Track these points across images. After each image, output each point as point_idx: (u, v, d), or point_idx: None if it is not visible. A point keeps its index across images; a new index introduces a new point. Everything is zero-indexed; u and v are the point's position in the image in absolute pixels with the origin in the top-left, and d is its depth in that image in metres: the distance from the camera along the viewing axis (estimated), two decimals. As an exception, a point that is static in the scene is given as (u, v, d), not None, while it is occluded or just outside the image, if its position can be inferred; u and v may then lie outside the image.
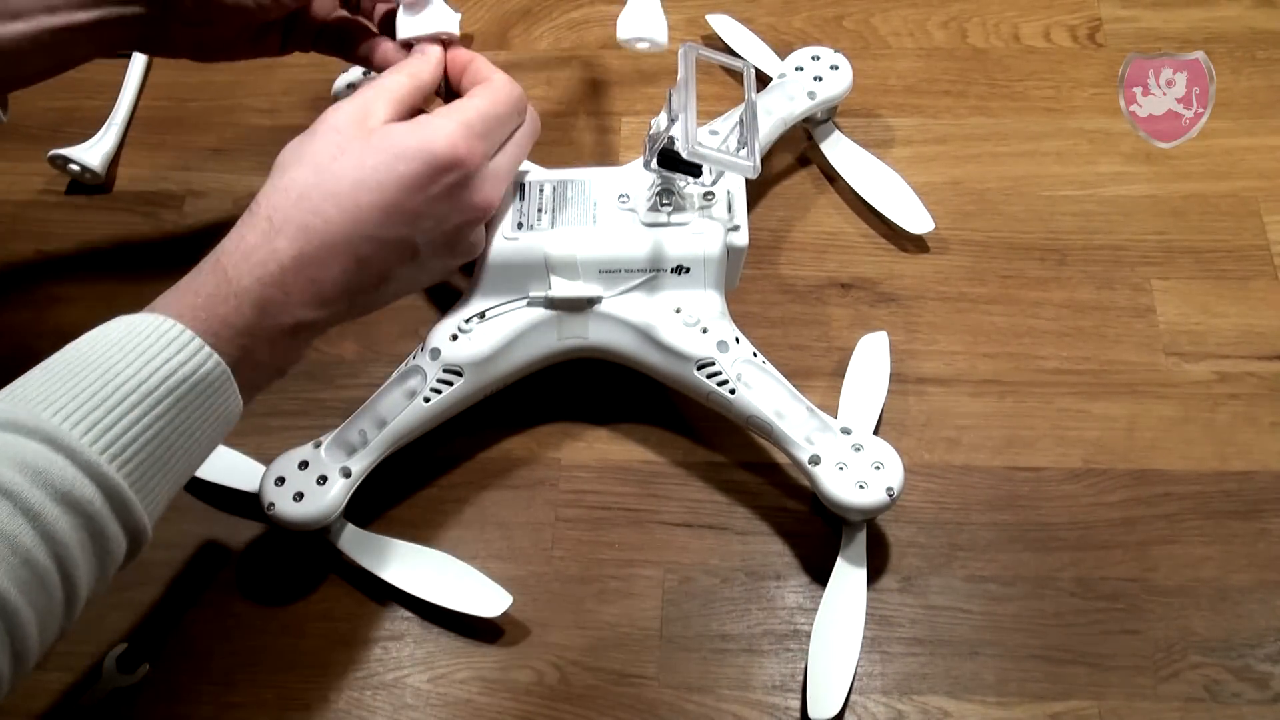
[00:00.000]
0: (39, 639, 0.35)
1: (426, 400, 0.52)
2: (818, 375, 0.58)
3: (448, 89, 0.50)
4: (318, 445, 0.52)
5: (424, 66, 0.48)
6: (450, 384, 0.52)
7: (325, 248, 0.42)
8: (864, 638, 0.50)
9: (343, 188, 0.43)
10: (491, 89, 0.47)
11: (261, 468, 0.53)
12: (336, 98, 0.64)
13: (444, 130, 0.44)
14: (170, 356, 0.38)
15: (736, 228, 0.53)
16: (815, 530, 0.54)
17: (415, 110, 0.47)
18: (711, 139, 0.55)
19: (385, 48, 0.53)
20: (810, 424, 0.51)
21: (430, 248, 0.46)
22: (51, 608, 0.35)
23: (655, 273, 0.52)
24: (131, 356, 0.38)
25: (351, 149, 0.43)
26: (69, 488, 0.35)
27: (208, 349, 0.39)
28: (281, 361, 0.44)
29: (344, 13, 0.55)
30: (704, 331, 0.52)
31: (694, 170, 0.50)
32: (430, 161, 0.43)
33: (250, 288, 0.41)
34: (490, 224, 0.53)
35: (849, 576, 0.52)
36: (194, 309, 0.40)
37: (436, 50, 0.49)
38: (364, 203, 0.43)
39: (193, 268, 0.42)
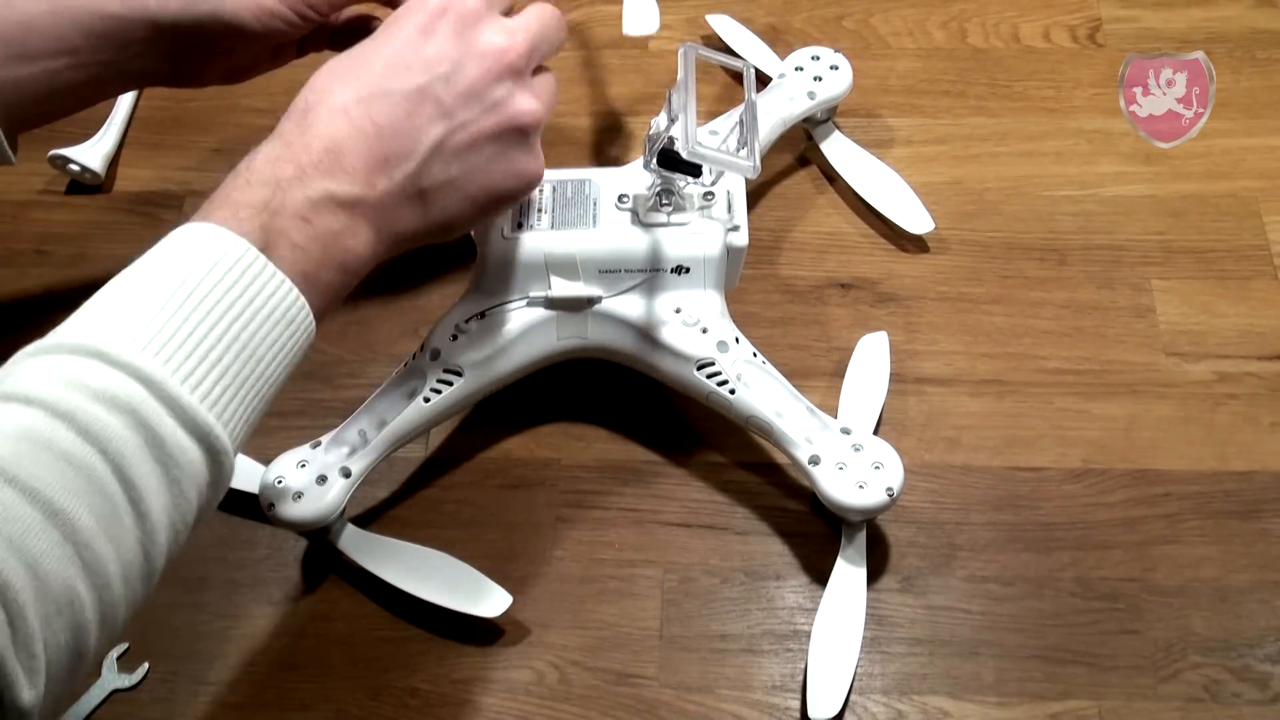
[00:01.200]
0: (115, 559, 0.33)
1: (426, 400, 0.52)
2: (818, 375, 0.58)
3: None
4: (317, 445, 0.52)
5: None
6: (450, 384, 0.52)
7: (333, 115, 0.41)
8: (864, 638, 0.50)
9: (345, 62, 0.42)
10: None
11: (261, 468, 0.53)
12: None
13: None
14: (186, 247, 0.37)
15: (736, 228, 0.53)
16: (815, 530, 0.54)
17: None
18: (711, 139, 0.55)
19: None
20: (810, 424, 0.51)
21: (458, 101, 0.42)
22: (117, 516, 0.33)
23: (655, 273, 0.52)
24: (151, 261, 0.37)
25: (380, 33, 0.43)
26: (105, 385, 0.33)
27: (229, 233, 0.37)
28: (331, 248, 0.40)
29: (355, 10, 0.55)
30: (704, 331, 0.52)
31: (694, 170, 0.50)
32: (423, 7, 0.43)
33: (259, 168, 0.39)
34: (490, 224, 0.53)
35: (849, 576, 0.52)
36: (209, 204, 0.39)
37: None
38: (366, 61, 0.42)
39: None
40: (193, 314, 0.36)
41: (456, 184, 0.43)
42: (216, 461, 0.36)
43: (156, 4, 0.49)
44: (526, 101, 0.44)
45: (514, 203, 0.47)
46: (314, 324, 0.40)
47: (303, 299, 0.39)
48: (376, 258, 0.42)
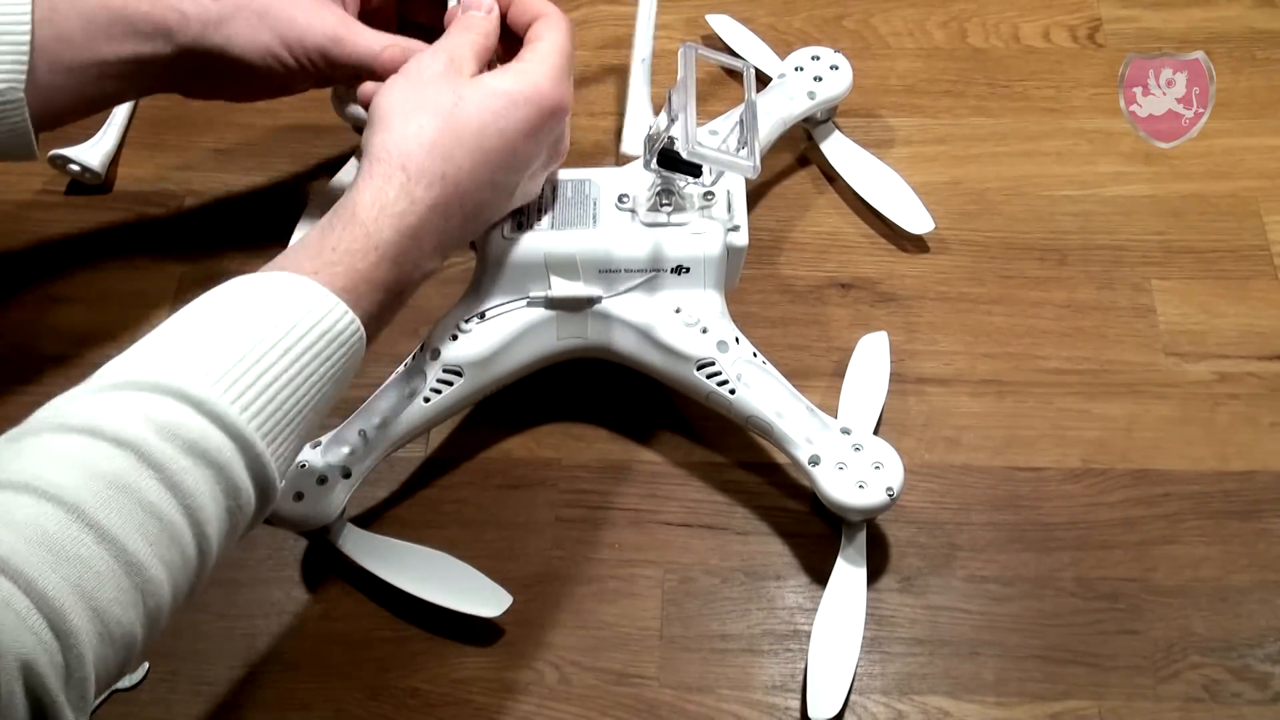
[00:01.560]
0: (171, 598, 0.34)
1: (426, 400, 0.52)
2: (818, 375, 0.58)
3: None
4: (317, 445, 0.52)
5: (489, 20, 0.49)
6: (450, 384, 0.52)
7: (458, 195, 0.43)
8: (864, 638, 0.50)
9: (469, 135, 0.43)
10: (559, 24, 0.48)
11: (261, 468, 0.53)
12: (337, 96, 0.64)
13: (548, 77, 0.46)
14: (307, 314, 0.38)
15: (736, 228, 0.53)
16: (815, 530, 0.54)
17: (489, 63, 0.49)
18: (711, 139, 0.55)
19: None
20: (810, 424, 0.51)
21: (518, 191, 0.48)
22: (185, 565, 0.35)
23: (655, 273, 0.52)
24: (265, 313, 0.38)
25: (469, 96, 0.44)
26: (198, 439, 0.34)
27: (345, 308, 0.39)
28: (397, 312, 0.45)
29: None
30: (704, 331, 0.52)
31: (694, 170, 0.50)
32: (544, 106, 0.45)
33: (390, 240, 0.41)
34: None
35: (849, 576, 0.52)
36: (331, 265, 0.40)
37: (491, 3, 0.49)
38: (489, 148, 0.44)
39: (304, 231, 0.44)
40: (290, 378, 0.37)
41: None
42: (265, 507, 0.39)
43: (178, 26, 0.50)
44: (565, 150, 0.51)
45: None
46: None
47: (361, 361, 0.42)
48: None
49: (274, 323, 0.37)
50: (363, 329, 0.40)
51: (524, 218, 0.53)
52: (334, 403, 0.41)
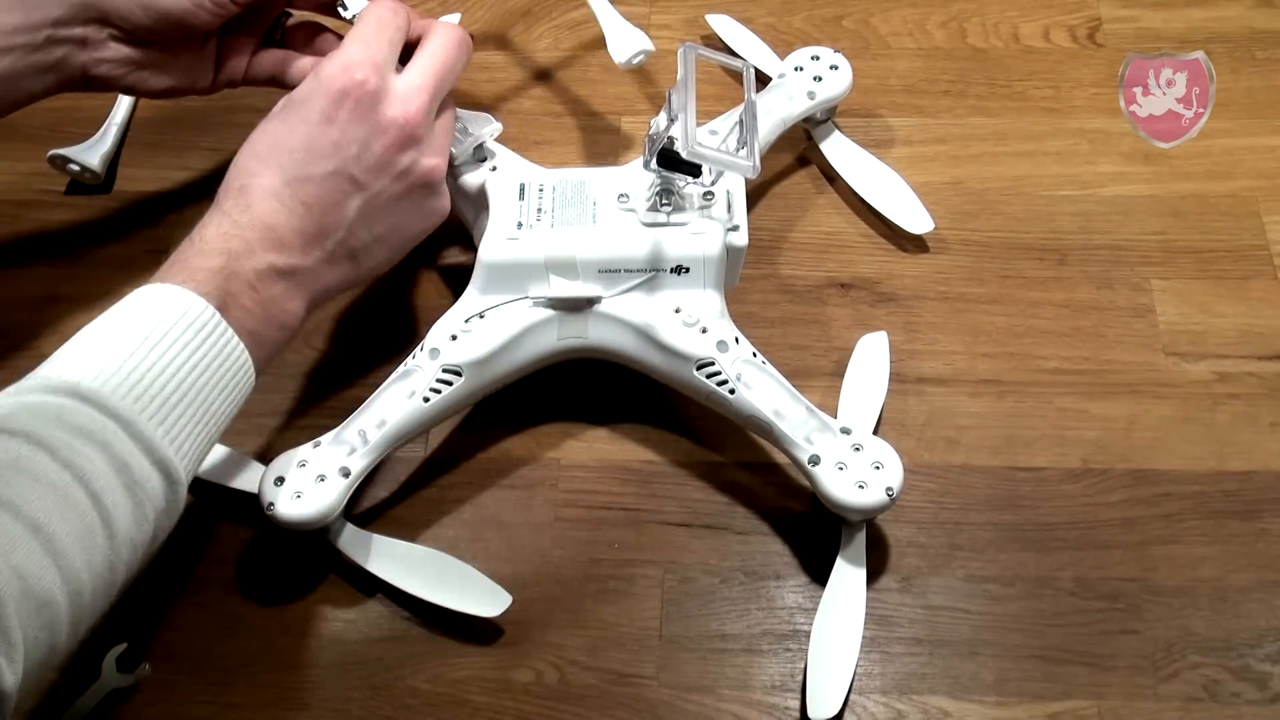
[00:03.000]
0: (87, 569, 0.38)
1: (426, 400, 0.52)
2: (817, 375, 0.58)
3: None
4: (317, 445, 0.52)
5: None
6: (450, 384, 0.52)
7: (265, 198, 0.46)
8: (864, 638, 0.50)
9: (264, 143, 0.47)
10: (366, 14, 0.50)
11: (261, 468, 0.53)
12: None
13: (338, 62, 0.48)
14: (154, 305, 0.42)
15: (736, 228, 0.53)
16: (815, 530, 0.54)
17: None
18: (711, 139, 0.55)
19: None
20: (810, 424, 0.51)
21: (369, 174, 0.48)
22: (89, 533, 0.38)
23: (655, 273, 0.52)
24: (122, 315, 0.42)
25: (278, 110, 0.48)
26: (82, 422, 0.39)
27: (190, 293, 0.42)
28: (273, 312, 0.46)
29: (275, 43, 0.58)
30: (703, 331, 0.52)
31: (693, 170, 0.50)
32: (327, 91, 0.47)
33: (211, 240, 0.45)
34: (489, 222, 0.53)
35: (849, 576, 0.52)
36: (167, 268, 0.44)
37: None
38: (283, 147, 0.47)
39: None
40: (158, 362, 0.41)
41: (380, 240, 0.50)
42: (173, 490, 0.41)
43: None
44: (428, 160, 0.50)
45: (425, 236, 0.52)
46: (254, 377, 0.45)
47: (248, 355, 0.44)
48: (309, 313, 0.48)
49: (132, 320, 0.42)
50: (210, 306, 0.43)
51: (524, 218, 0.53)
52: (224, 390, 0.44)
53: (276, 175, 0.46)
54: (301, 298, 0.47)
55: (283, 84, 0.56)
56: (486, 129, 0.55)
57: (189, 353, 0.42)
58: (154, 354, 0.41)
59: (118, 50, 0.53)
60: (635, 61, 0.59)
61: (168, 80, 0.55)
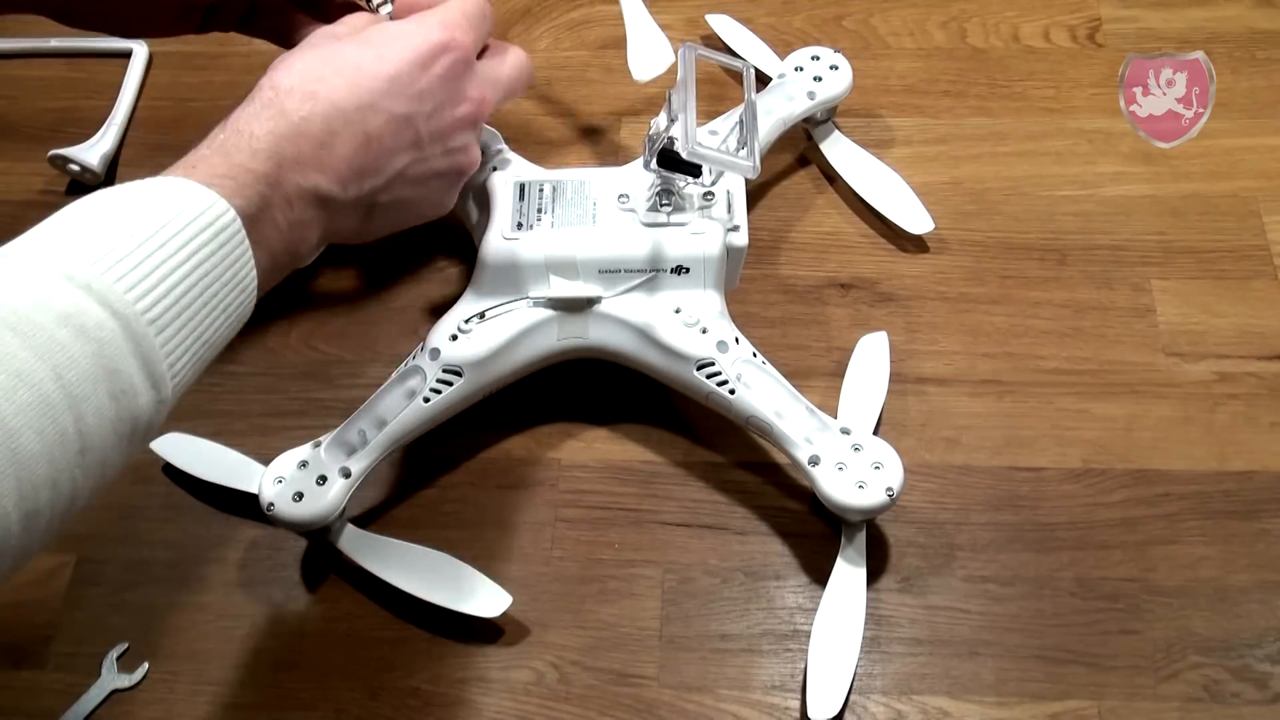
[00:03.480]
0: (50, 485, 0.32)
1: (426, 400, 0.52)
2: (817, 375, 0.58)
3: None
4: (317, 445, 0.52)
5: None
6: (450, 384, 0.52)
7: (334, 112, 0.43)
8: (864, 638, 0.50)
9: (346, 61, 0.44)
10: None
11: (261, 468, 0.53)
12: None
13: (436, 19, 0.47)
14: (181, 204, 0.37)
15: (736, 228, 0.53)
16: (815, 530, 0.54)
17: None
18: (711, 139, 0.55)
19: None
20: (810, 424, 0.51)
21: (430, 137, 0.47)
22: (62, 441, 0.32)
23: (655, 273, 0.52)
24: (142, 205, 0.37)
25: (349, 39, 0.46)
26: (76, 311, 0.33)
27: (216, 195, 0.38)
28: (294, 239, 0.43)
29: None
30: (704, 331, 0.52)
31: (694, 170, 0.50)
32: (429, 39, 0.46)
33: (263, 137, 0.41)
34: (489, 222, 0.53)
35: (849, 576, 0.52)
36: (207, 159, 0.40)
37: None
38: (368, 71, 0.44)
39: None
40: (169, 262, 0.36)
41: (399, 205, 0.48)
42: (159, 410, 0.36)
43: None
44: (475, 153, 0.50)
45: (421, 223, 0.51)
46: (255, 302, 0.41)
47: (256, 279, 0.40)
48: (316, 252, 0.45)
49: (152, 215, 0.37)
50: (239, 219, 0.39)
51: (524, 217, 0.53)
52: (229, 311, 0.39)
53: (351, 93, 0.43)
54: (322, 230, 0.44)
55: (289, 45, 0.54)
56: (495, 146, 0.55)
57: (209, 266, 0.37)
58: (165, 252, 0.36)
59: None
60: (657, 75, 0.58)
61: (157, 22, 0.54)
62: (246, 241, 0.39)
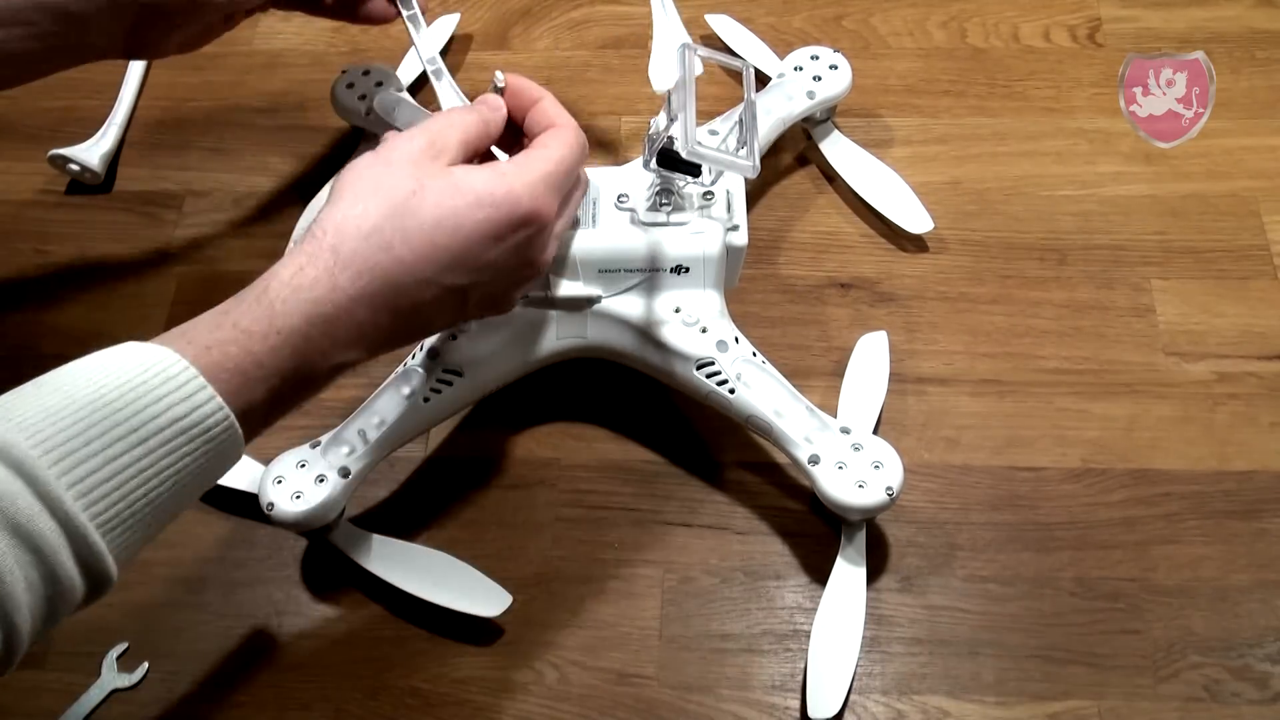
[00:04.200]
0: None
1: (426, 400, 0.52)
2: (817, 375, 0.58)
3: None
4: (316, 445, 0.52)
5: (494, 114, 0.45)
6: (450, 384, 0.52)
7: (388, 287, 0.39)
8: (864, 638, 0.50)
9: (420, 226, 0.40)
10: (566, 138, 0.44)
11: (261, 468, 0.53)
12: (335, 96, 0.64)
13: (528, 181, 0.42)
14: (169, 397, 0.35)
15: (736, 227, 0.53)
16: (815, 530, 0.54)
17: (479, 155, 0.45)
18: (711, 139, 0.55)
19: (374, 3, 0.52)
20: (809, 423, 0.51)
21: (480, 300, 0.43)
22: None
23: (654, 272, 0.52)
24: (125, 388, 0.34)
25: (431, 186, 0.40)
26: (25, 520, 0.32)
27: (211, 393, 0.36)
28: (305, 400, 0.41)
29: None
30: (703, 331, 0.52)
31: (693, 170, 0.50)
32: (514, 212, 0.41)
33: (297, 328, 0.38)
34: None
35: (848, 576, 0.52)
36: (224, 343, 0.37)
37: (500, 102, 0.46)
38: (439, 244, 0.40)
39: (210, 306, 0.39)
40: (142, 467, 0.34)
41: (422, 337, 0.46)
42: (97, 594, 0.35)
43: None
44: (542, 268, 0.45)
45: None
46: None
47: (242, 451, 0.38)
48: None
49: (134, 401, 0.34)
50: (234, 421, 0.36)
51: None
52: (200, 491, 0.38)
53: (413, 268, 0.39)
54: (334, 380, 0.42)
55: (328, 15, 0.53)
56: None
57: (179, 462, 0.35)
58: (138, 451, 0.34)
59: (165, 29, 0.51)
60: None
61: (209, 38, 0.53)
62: (238, 435, 0.37)
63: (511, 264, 0.43)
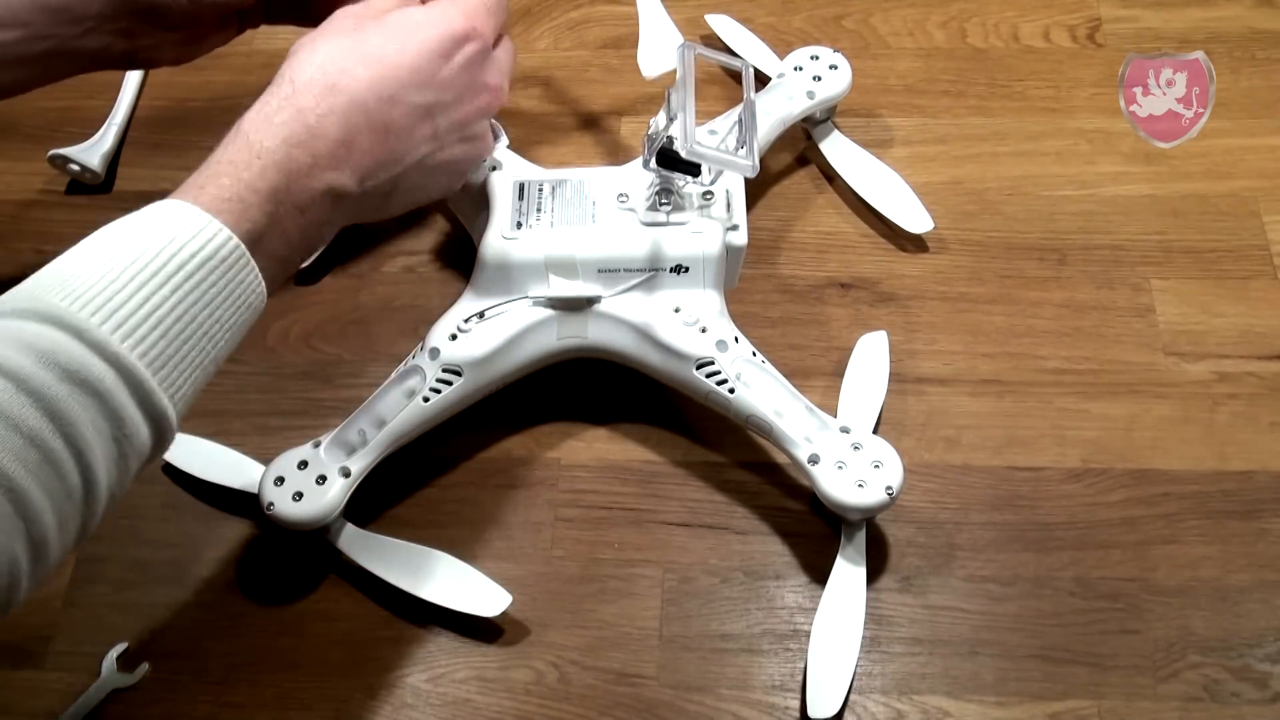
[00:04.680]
0: (57, 530, 0.34)
1: (426, 400, 0.52)
2: (817, 375, 0.58)
3: None
4: (317, 445, 0.52)
5: None
6: (450, 384, 0.52)
7: (354, 106, 0.42)
8: (864, 637, 0.50)
9: (369, 51, 0.44)
10: None
11: (261, 468, 0.53)
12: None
13: (459, 7, 0.46)
14: (181, 236, 0.38)
15: (735, 227, 0.53)
16: (815, 530, 0.54)
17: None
18: (710, 138, 0.55)
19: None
20: (809, 423, 0.51)
21: (449, 126, 0.47)
22: (69, 493, 0.34)
23: (654, 272, 0.52)
24: (142, 240, 0.37)
25: (371, 23, 0.45)
26: (78, 367, 0.34)
27: (218, 225, 0.38)
28: (311, 236, 0.43)
29: None
30: (703, 331, 0.52)
31: (693, 170, 0.50)
32: (451, 27, 0.45)
33: (275, 149, 0.41)
34: (489, 222, 0.53)
35: (848, 576, 0.52)
36: (216, 177, 0.40)
37: None
38: (391, 61, 0.44)
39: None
40: (173, 304, 0.37)
41: (415, 189, 0.47)
42: (162, 440, 0.38)
43: None
44: (489, 140, 0.50)
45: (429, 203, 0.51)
46: (264, 305, 0.41)
47: (265, 290, 0.41)
48: (332, 236, 0.45)
49: (151, 249, 0.37)
50: (243, 246, 0.39)
51: (524, 217, 0.53)
52: (238, 329, 0.40)
53: (372, 86, 0.43)
54: (337, 223, 0.44)
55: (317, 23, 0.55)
56: (498, 143, 0.55)
57: (209, 297, 0.38)
58: (166, 290, 0.37)
59: (161, 37, 0.52)
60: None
61: (202, 49, 0.54)
62: (252, 263, 0.39)
63: (464, 82, 0.46)
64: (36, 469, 0.33)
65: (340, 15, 0.46)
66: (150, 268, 0.37)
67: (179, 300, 0.37)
